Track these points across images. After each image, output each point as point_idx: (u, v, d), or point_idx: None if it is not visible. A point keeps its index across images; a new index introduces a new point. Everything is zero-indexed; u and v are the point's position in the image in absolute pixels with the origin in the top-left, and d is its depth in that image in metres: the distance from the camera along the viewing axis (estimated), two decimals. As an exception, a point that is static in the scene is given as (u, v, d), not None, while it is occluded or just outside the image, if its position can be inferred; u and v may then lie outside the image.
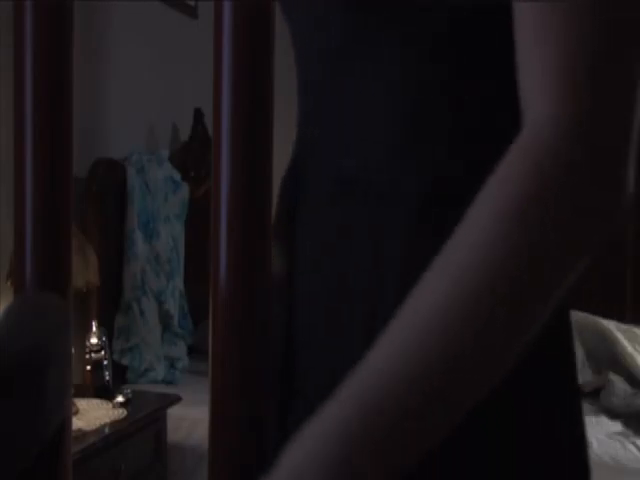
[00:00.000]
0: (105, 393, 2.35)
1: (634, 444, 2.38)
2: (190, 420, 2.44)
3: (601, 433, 2.46)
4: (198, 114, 3.15)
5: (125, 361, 2.74)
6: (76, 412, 2.10)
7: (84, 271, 2.28)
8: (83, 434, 2.03)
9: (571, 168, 0.49)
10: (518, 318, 0.49)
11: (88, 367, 2.39)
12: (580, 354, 2.94)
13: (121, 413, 2.23)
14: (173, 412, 2.42)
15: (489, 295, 0.48)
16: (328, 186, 0.68)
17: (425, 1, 0.60)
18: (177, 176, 2.99)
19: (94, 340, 2.41)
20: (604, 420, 2.59)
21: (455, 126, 0.62)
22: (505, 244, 0.49)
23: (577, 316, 3.09)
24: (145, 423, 2.30)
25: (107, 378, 2.41)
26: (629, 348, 2.88)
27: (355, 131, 0.66)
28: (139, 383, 2.71)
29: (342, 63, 0.66)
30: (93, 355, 2.39)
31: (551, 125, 0.49)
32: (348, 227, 0.65)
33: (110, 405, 2.28)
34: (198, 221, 2.95)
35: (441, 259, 0.51)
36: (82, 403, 2.22)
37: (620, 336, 2.93)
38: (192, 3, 3.30)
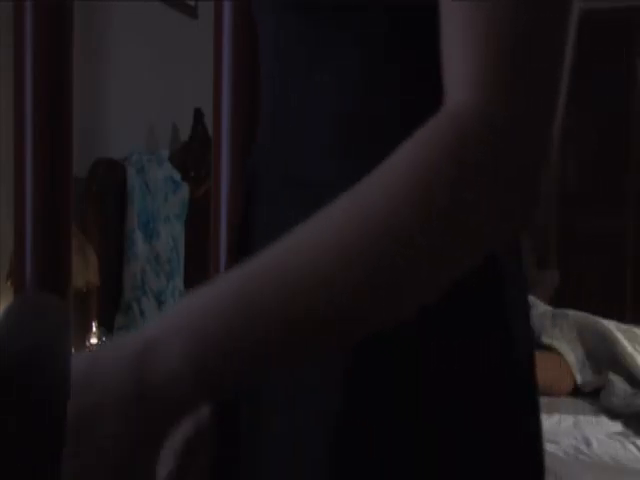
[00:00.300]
0: (105, 393, 2.35)
1: (634, 444, 2.38)
2: (190, 420, 2.44)
3: (601, 433, 2.46)
4: (198, 114, 3.15)
5: (125, 361, 2.73)
6: (76, 412, 2.10)
7: (84, 271, 2.28)
8: (83, 434, 2.02)
9: (491, 150, 0.49)
10: (411, 266, 0.49)
11: (88, 367, 2.39)
12: (580, 354, 2.95)
13: (121, 413, 2.23)
14: (173, 412, 2.42)
15: (387, 236, 0.49)
16: (278, 185, 0.68)
17: (366, 2, 0.60)
18: (177, 176, 2.99)
19: (94, 340, 2.41)
20: (604, 420, 2.59)
21: (401, 127, 0.62)
22: (417, 191, 0.49)
23: (577, 316, 3.10)
24: (145, 423, 2.30)
25: (107, 378, 2.41)
26: (629, 348, 2.88)
27: (302, 131, 0.66)
28: (139, 383, 2.71)
29: (293, 63, 0.66)
30: (93, 355, 2.39)
31: (472, 112, 0.50)
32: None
33: (110, 405, 2.27)
34: (198, 221, 2.95)
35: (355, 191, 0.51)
36: (82, 403, 2.22)
37: (620, 336, 2.93)
38: (192, 3, 3.30)
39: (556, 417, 2.55)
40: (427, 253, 0.49)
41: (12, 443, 0.40)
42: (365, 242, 0.49)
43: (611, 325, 3.00)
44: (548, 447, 2.30)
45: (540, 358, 2.84)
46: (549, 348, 2.96)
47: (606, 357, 2.90)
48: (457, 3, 0.51)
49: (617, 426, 2.54)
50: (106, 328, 2.56)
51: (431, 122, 0.51)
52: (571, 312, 3.13)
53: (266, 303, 0.49)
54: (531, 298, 3.32)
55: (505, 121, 0.50)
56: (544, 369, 2.88)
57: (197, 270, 2.98)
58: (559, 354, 2.93)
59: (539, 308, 3.22)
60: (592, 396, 2.82)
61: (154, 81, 3.05)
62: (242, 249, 0.72)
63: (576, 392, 2.87)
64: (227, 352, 0.48)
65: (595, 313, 3.10)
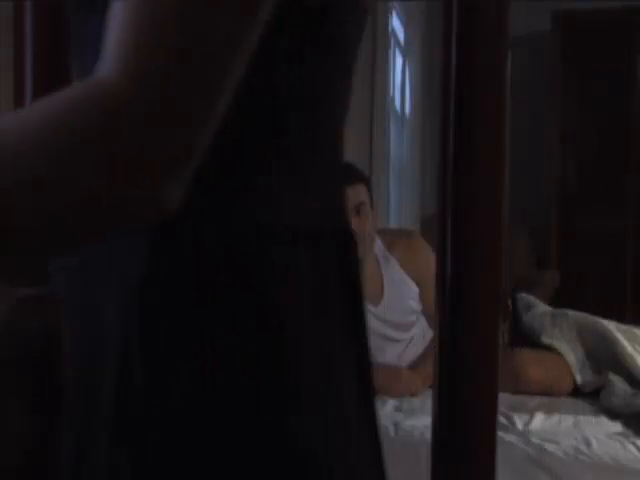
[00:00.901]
0: (105, 393, 2.35)
1: (634, 444, 2.38)
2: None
3: (601, 433, 2.46)
4: (198, 114, 3.15)
5: (125, 361, 2.73)
6: (76, 412, 2.10)
7: (84, 271, 2.28)
8: (83, 434, 2.02)
9: (127, 131, 0.48)
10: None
11: (88, 367, 2.39)
12: (580, 354, 2.95)
13: (121, 413, 2.23)
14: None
15: None
16: None
17: None
18: (177, 176, 2.99)
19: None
20: (604, 420, 2.59)
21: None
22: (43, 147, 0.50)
23: (577, 316, 3.10)
24: (145, 423, 2.29)
25: (107, 378, 2.41)
26: (629, 348, 2.88)
27: None
28: (139, 383, 2.71)
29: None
30: (93, 355, 2.39)
31: (118, 90, 0.49)
32: None
33: (110, 405, 2.28)
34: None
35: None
36: (82, 403, 2.22)
37: (620, 336, 2.93)
38: (192, 3, 3.31)
39: (556, 417, 2.55)
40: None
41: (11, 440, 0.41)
42: None
43: (611, 325, 3.00)
44: (548, 447, 2.30)
45: (540, 358, 2.85)
46: (549, 348, 2.96)
47: (606, 357, 2.90)
48: None
49: (617, 426, 2.54)
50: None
51: (81, 86, 0.51)
52: (571, 312, 3.13)
53: None
54: (531, 298, 3.33)
55: (146, 107, 0.48)
56: (544, 369, 2.88)
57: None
58: (559, 354, 2.93)
59: (539, 308, 3.22)
60: (592, 396, 2.82)
61: (154, 81, 3.05)
62: None
63: (576, 392, 2.87)
64: None
65: (595, 313, 3.10)
